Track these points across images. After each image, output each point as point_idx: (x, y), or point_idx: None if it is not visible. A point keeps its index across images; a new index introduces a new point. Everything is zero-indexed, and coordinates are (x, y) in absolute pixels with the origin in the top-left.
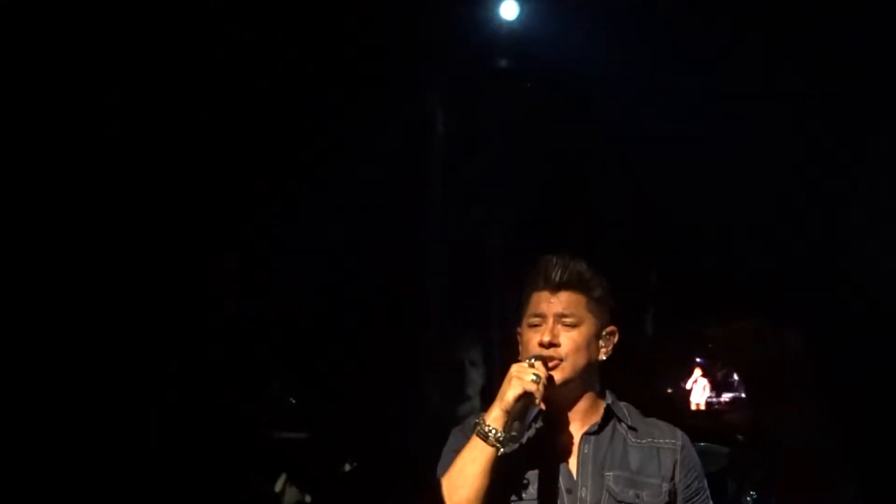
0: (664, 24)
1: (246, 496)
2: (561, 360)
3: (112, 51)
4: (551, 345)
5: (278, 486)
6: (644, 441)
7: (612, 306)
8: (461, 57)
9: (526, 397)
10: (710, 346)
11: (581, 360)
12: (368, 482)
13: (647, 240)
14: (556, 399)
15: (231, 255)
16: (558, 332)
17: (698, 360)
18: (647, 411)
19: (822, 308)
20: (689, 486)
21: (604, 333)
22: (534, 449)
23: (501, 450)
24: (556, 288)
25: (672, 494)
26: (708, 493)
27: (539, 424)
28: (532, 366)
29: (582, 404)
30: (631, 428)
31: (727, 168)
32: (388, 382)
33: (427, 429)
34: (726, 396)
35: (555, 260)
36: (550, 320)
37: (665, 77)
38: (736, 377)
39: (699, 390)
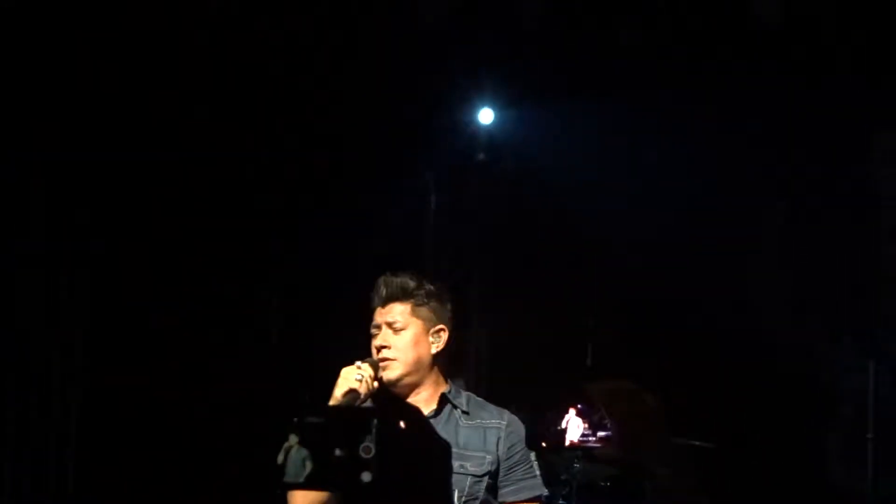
0: (612, 128)
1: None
2: (393, 359)
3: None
4: (383, 347)
5: (280, 458)
6: (474, 422)
7: (439, 309)
8: (450, 150)
9: (351, 393)
10: (586, 398)
11: (410, 357)
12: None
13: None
14: (398, 391)
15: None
16: (387, 337)
17: (573, 407)
18: (534, 447)
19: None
20: (510, 457)
21: (432, 331)
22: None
23: None
24: (384, 301)
25: (495, 464)
26: (532, 465)
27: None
28: (359, 367)
29: (422, 394)
30: (464, 412)
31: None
32: None
33: None
34: (600, 434)
35: (383, 278)
36: (383, 328)
37: (610, 170)
38: (606, 421)
39: (574, 428)
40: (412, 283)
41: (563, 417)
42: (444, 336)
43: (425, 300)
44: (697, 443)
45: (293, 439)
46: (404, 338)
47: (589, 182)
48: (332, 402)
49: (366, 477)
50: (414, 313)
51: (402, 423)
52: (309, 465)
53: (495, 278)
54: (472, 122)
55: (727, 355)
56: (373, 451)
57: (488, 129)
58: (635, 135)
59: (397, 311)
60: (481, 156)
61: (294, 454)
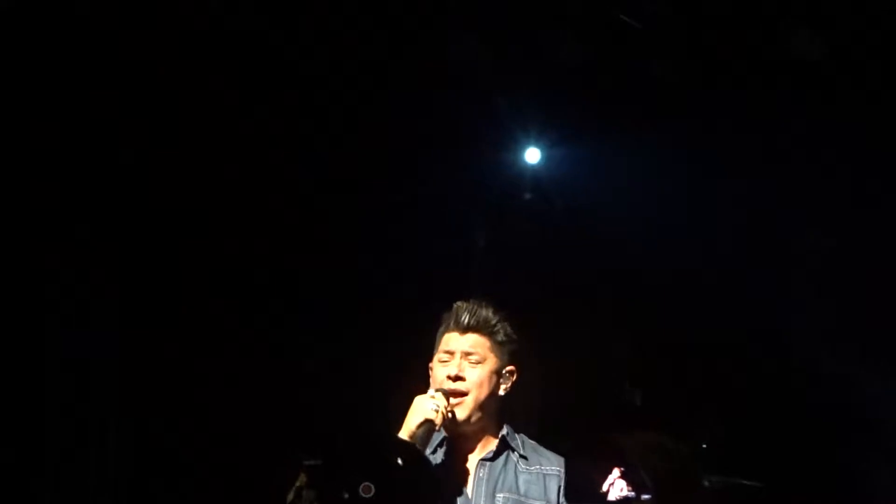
0: (655, 168)
1: None
2: (465, 393)
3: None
4: (458, 378)
5: (289, 498)
6: (533, 468)
7: (514, 349)
8: (497, 190)
9: (426, 424)
10: (619, 453)
11: (483, 394)
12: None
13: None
14: (461, 431)
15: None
16: (464, 368)
17: (618, 468)
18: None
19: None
20: None
21: (504, 372)
22: (439, 474)
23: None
24: (464, 329)
25: None
26: None
27: (443, 453)
28: (433, 397)
29: (482, 435)
30: (522, 456)
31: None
32: None
33: None
34: (644, 497)
35: (465, 305)
36: (458, 356)
37: (653, 208)
38: (647, 482)
39: (616, 490)
40: (495, 318)
41: (604, 478)
42: (513, 379)
43: (504, 338)
44: (746, 482)
45: (302, 479)
46: (480, 372)
47: (636, 221)
48: (406, 433)
49: None
50: (492, 349)
51: (399, 461)
52: None
53: (541, 318)
54: (519, 161)
55: (775, 395)
56: (372, 491)
57: (534, 168)
58: (683, 172)
59: (477, 343)
60: (528, 194)
61: (305, 494)
